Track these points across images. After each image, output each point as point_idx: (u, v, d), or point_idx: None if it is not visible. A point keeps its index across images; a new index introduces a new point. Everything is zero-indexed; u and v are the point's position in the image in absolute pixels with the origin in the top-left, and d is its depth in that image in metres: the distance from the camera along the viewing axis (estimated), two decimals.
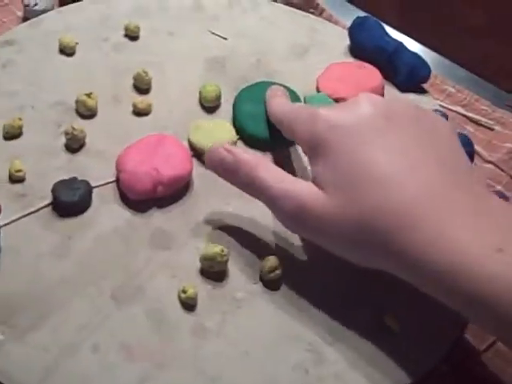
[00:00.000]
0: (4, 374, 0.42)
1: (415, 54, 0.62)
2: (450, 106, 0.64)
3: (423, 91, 0.62)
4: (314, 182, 0.44)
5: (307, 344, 0.45)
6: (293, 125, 0.48)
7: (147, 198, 0.51)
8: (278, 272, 0.47)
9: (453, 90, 0.67)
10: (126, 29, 0.62)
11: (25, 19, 0.64)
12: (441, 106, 0.63)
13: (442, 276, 0.39)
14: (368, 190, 0.41)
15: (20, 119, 0.54)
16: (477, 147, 0.61)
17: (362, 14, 0.68)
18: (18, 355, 0.43)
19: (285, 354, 0.45)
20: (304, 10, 0.69)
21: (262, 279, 0.48)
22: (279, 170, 0.46)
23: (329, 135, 0.44)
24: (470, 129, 0.64)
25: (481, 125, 0.64)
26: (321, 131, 0.44)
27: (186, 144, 0.54)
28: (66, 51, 0.60)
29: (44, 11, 0.63)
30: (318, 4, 0.70)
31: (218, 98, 0.58)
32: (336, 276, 0.48)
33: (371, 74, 0.62)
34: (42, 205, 0.49)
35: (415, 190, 0.41)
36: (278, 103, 0.52)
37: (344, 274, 0.48)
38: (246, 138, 0.56)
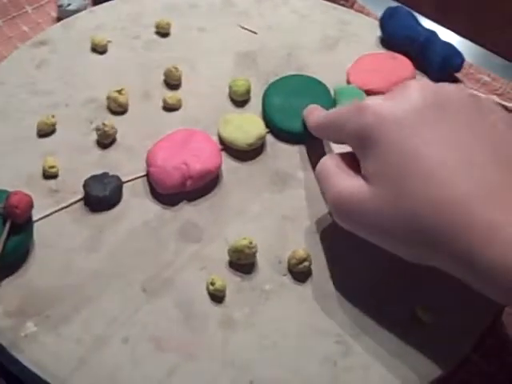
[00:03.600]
0: (37, 364, 0.43)
1: (447, 44, 0.62)
2: (484, 96, 0.63)
3: (456, 81, 0.62)
4: (364, 176, 0.43)
5: (335, 336, 0.45)
6: (338, 123, 0.46)
7: (177, 191, 0.51)
8: (306, 264, 0.47)
9: (488, 79, 0.65)
10: (157, 26, 0.63)
11: (59, 19, 0.65)
12: None
13: (496, 277, 0.37)
14: (417, 184, 0.39)
15: (53, 116, 0.55)
16: None
17: (395, 4, 0.68)
18: (51, 346, 0.43)
19: (313, 346, 0.45)
20: (335, 2, 0.68)
21: (290, 271, 0.48)
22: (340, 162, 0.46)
23: (378, 127, 0.42)
24: None
25: None
26: (369, 123, 0.42)
27: (215, 138, 0.55)
28: (98, 49, 0.61)
29: (77, 11, 0.64)
30: None
31: (248, 92, 0.58)
32: (365, 268, 0.48)
33: (403, 64, 0.61)
34: (73, 200, 0.50)
35: (468, 187, 0.38)
36: (317, 114, 0.52)
37: (373, 266, 0.48)
38: (276, 131, 0.56)
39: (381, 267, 0.48)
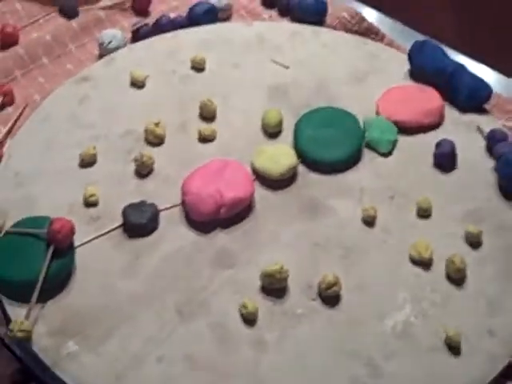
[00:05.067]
0: (78, 381, 0.45)
1: (475, 75, 0.63)
2: None
3: (484, 111, 0.63)
4: None
5: (365, 359, 0.47)
6: None
7: (211, 219, 0.53)
8: (335, 289, 0.49)
9: None
10: (193, 61, 0.66)
11: (100, 57, 0.68)
12: (503, 125, 0.63)
13: None
14: None
15: (94, 148, 0.58)
16: None
17: (423, 37, 0.70)
18: (90, 364, 0.46)
19: (343, 369, 0.46)
20: (365, 36, 0.71)
21: (320, 296, 0.49)
22: None
23: None
24: None
25: None
26: None
27: (248, 168, 0.57)
28: (137, 84, 0.64)
29: (117, 48, 0.68)
30: (378, 30, 0.71)
31: (280, 123, 0.60)
32: (393, 293, 0.50)
33: (431, 96, 0.63)
34: (113, 227, 0.53)
35: None
36: None
37: (402, 292, 0.50)
38: (307, 161, 0.58)
39: (409, 292, 0.50)
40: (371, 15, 0.74)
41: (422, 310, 0.49)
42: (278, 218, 0.54)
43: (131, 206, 0.53)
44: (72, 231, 0.49)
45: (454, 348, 0.47)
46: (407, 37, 0.72)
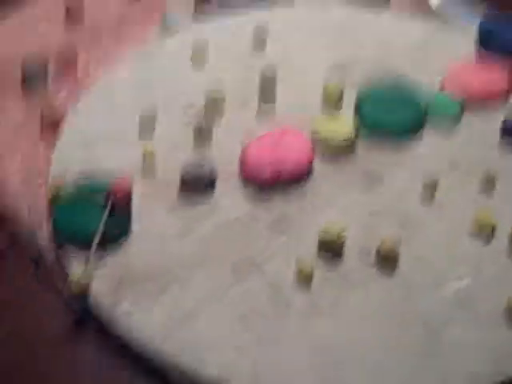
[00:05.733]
0: (133, 337, 0.45)
1: None
2: None
3: None
4: None
5: (422, 325, 0.45)
6: None
7: (268, 187, 0.53)
8: (394, 255, 0.48)
9: None
10: (255, 33, 0.65)
11: (165, 31, 0.69)
12: None
13: None
14: None
15: (154, 116, 0.58)
16: None
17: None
18: (146, 321, 0.46)
19: (399, 335, 0.45)
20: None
21: (378, 262, 0.48)
22: None
23: None
24: None
25: None
26: None
27: (307, 136, 0.56)
28: (200, 59, 0.64)
29: (182, 23, 0.68)
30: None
31: (341, 96, 0.60)
32: (453, 266, 0.49)
33: (500, 70, 0.61)
34: (171, 187, 0.53)
35: None
36: None
37: (461, 265, 0.49)
38: (368, 132, 0.57)
39: (469, 265, 0.49)
40: None
41: (481, 282, 0.48)
42: (335, 187, 0.53)
43: (191, 163, 0.53)
44: (130, 191, 0.50)
45: None
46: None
